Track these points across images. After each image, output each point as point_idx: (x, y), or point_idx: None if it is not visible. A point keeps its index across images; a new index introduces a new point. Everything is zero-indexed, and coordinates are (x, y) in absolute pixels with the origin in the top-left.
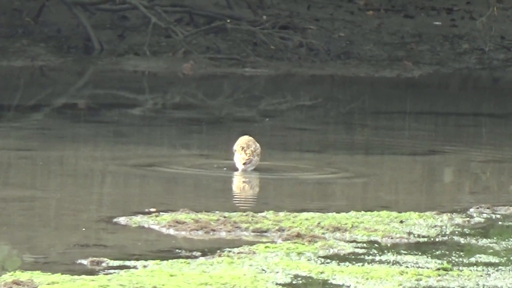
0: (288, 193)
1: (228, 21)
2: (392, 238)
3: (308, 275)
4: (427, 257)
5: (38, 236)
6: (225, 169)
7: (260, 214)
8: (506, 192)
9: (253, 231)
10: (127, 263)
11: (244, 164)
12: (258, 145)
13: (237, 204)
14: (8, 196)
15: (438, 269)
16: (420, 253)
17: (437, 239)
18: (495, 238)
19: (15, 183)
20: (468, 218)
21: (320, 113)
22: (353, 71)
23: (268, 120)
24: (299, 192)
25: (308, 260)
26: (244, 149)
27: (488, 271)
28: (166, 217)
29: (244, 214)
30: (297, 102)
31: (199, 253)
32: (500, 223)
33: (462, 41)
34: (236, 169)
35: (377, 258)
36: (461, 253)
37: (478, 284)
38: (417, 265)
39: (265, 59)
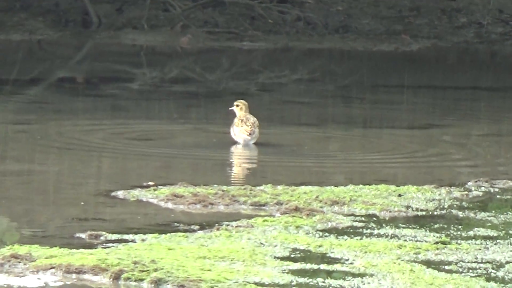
0: (286, 166)
1: None
2: (390, 211)
3: (306, 249)
4: (426, 230)
5: (36, 210)
6: (214, 140)
7: (258, 187)
8: (504, 165)
9: (251, 205)
10: (125, 236)
11: (249, 134)
12: (255, 118)
13: (235, 178)
14: (6, 170)
15: (437, 242)
16: (418, 227)
17: (435, 213)
18: (493, 211)
19: (13, 157)
20: (466, 192)
21: (318, 87)
22: (351, 45)
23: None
24: (297, 165)
25: (307, 233)
26: (244, 121)
27: (486, 244)
28: (165, 190)
29: (242, 187)
30: (295, 76)
31: (197, 227)
32: (498, 196)
33: (460, 15)
34: (234, 143)
35: (376, 231)
36: (460, 227)
37: (476, 258)
38: (415, 239)
39: (263, 33)
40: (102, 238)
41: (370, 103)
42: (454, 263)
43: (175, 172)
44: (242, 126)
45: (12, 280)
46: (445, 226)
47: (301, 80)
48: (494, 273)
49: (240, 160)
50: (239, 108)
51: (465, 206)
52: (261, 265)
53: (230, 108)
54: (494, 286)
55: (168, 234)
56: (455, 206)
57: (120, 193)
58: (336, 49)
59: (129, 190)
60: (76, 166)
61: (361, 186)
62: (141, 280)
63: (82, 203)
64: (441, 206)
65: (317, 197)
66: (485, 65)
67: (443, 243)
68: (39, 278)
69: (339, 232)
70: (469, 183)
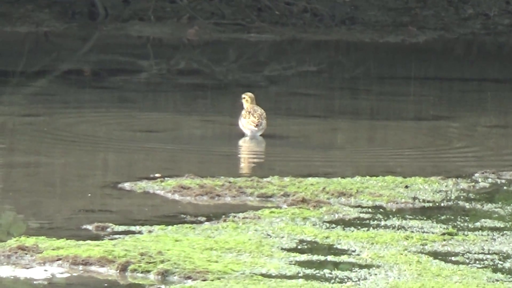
0: (293, 158)
1: None
2: (397, 203)
3: (313, 240)
4: (432, 222)
5: (43, 202)
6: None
7: (265, 179)
8: (511, 157)
9: (258, 196)
10: (132, 228)
11: (256, 126)
12: (263, 110)
13: (242, 170)
14: (13, 162)
15: (443, 234)
16: (425, 218)
17: (442, 204)
18: (500, 203)
19: (20, 149)
20: (473, 183)
21: (325, 78)
22: (358, 36)
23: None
24: (304, 157)
25: (313, 225)
26: (251, 113)
27: (493, 235)
28: (171, 182)
29: (249, 179)
30: (302, 67)
31: (204, 218)
32: (505, 188)
33: (467, 6)
34: (242, 134)
35: (382, 223)
36: (466, 218)
37: (483, 249)
38: (422, 230)
39: (269, 24)
40: (109, 229)
41: (376, 95)
42: (461, 254)
43: (182, 163)
44: (250, 118)
45: (19, 271)
46: (452, 217)
47: (308, 72)
48: (501, 264)
49: (247, 151)
50: (245, 101)
51: (472, 197)
52: (268, 257)
53: (241, 101)
54: (500, 277)
55: (175, 226)
56: (462, 197)
57: (127, 185)
58: (343, 40)
59: (136, 181)
60: (83, 158)
61: (368, 177)
62: (148, 271)
63: (89, 194)
64: (448, 198)
65: (324, 188)
66: (492, 56)
67: (450, 234)
68: (46, 270)
69: (346, 223)
70: (476, 175)
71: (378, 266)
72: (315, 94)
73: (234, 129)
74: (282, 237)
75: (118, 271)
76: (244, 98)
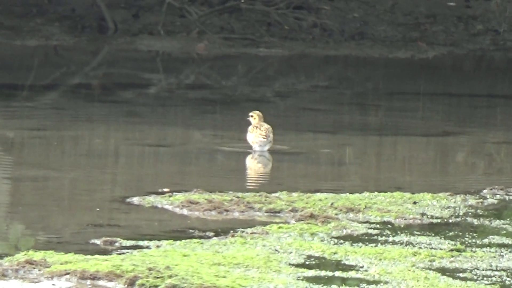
0: (301, 173)
1: (242, 1)
2: (405, 219)
3: (321, 256)
4: (440, 238)
5: (51, 216)
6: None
7: (273, 194)
8: None
9: (267, 212)
10: (140, 243)
11: (264, 138)
12: (269, 125)
13: (250, 185)
14: (22, 175)
15: (451, 250)
16: (433, 234)
17: (450, 220)
18: (508, 219)
19: (29, 163)
20: (481, 200)
21: (334, 93)
22: (367, 51)
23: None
24: (312, 172)
25: (322, 240)
26: (258, 127)
27: (501, 252)
28: (180, 197)
29: (258, 194)
30: (311, 82)
31: (212, 233)
32: None
33: (476, 22)
34: (251, 150)
35: (390, 239)
36: (474, 234)
37: (491, 265)
38: (430, 246)
39: (279, 39)
40: (117, 244)
41: (385, 111)
42: (468, 271)
43: (190, 178)
44: (257, 131)
45: (27, 286)
46: (460, 233)
47: (317, 87)
48: (509, 281)
49: (255, 166)
50: (253, 119)
51: (480, 213)
52: (275, 272)
53: (248, 118)
54: None
55: (183, 241)
56: (470, 213)
57: (135, 199)
58: (352, 56)
59: (144, 196)
60: (92, 172)
61: (376, 193)
62: (156, 286)
63: (97, 209)
64: (456, 214)
65: (332, 204)
66: (501, 72)
67: (458, 250)
68: (53, 284)
69: (354, 239)
70: (484, 191)
71: (386, 282)
72: (324, 109)
73: (243, 144)
74: (290, 252)
75: (126, 285)
76: (252, 116)
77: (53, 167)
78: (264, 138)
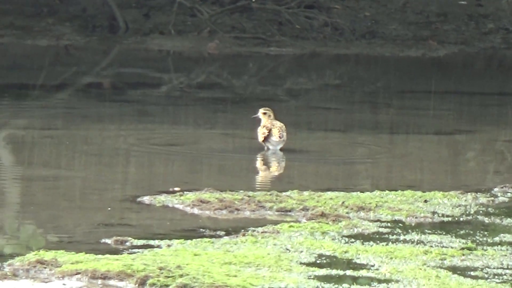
0: (312, 172)
1: (254, 0)
2: (416, 217)
3: (332, 255)
4: (451, 236)
5: (62, 216)
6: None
7: (284, 193)
8: None
9: (277, 210)
10: (151, 242)
11: (279, 137)
12: (282, 123)
13: (261, 184)
14: (33, 175)
15: (463, 248)
16: (444, 233)
17: (461, 219)
18: None
19: (40, 163)
20: (492, 198)
21: (345, 92)
22: (378, 50)
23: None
24: (323, 171)
25: (332, 239)
26: (271, 127)
27: None
28: (190, 196)
29: (268, 193)
30: (322, 81)
31: (223, 233)
32: None
33: (487, 21)
34: (262, 148)
35: (401, 237)
36: (486, 233)
37: (502, 264)
38: (441, 245)
39: (290, 38)
40: (128, 243)
41: (397, 109)
42: (480, 269)
43: (201, 177)
44: (272, 130)
45: (38, 285)
46: (471, 232)
47: (328, 85)
48: None
49: (266, 165)
50: (267, 116)
51: (491, 212)
52: (286, 271)
53: (254, 116)
54: None
55: (194, 240)
56: (481, 212)
57: (146, 199)
58: (363, 54)
59: (155, 195)
60: (103, 171)
61: (387, 192)
62: (167, 286)
63: (108, 208)
64: (467, 212)
65: (343, 203)
66: None
67: (469, 249)
68: (64, 284)
69: (365, 238)
70: (495, 189)
71: (397, 281)
72: (335, 108)
73: (254, 143)
74: (301, 251)
75: (137, 285)
76: (265, 113)
77: (64, 167)
78: (279, 138)
